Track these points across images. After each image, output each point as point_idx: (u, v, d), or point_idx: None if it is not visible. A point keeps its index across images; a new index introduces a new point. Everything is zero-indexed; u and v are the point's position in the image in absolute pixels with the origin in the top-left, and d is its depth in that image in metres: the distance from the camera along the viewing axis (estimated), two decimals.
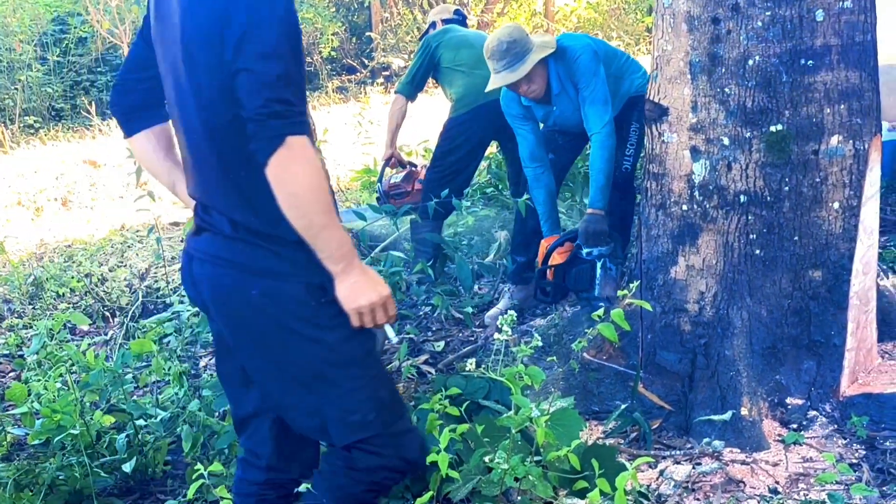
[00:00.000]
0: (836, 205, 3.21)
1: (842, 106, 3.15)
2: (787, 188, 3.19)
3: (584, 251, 4.11)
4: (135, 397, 3.62)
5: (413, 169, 5.86)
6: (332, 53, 17.71)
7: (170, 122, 2.22)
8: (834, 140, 3.16)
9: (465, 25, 5.82)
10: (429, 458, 1.89)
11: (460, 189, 5.27)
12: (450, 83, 5.32)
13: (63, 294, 5.57)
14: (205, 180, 2.06)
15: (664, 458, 3.07)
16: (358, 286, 2.01)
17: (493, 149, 6.28)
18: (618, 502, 1.71)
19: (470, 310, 4.48)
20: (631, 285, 2.24)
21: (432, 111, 8.41)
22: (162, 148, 2.28)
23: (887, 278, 3.90)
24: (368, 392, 2.09)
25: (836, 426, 3.16)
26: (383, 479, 2.14)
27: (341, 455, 2.16)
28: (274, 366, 2.10)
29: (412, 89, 5.52)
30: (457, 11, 5.92)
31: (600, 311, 2.16)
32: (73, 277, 5.73)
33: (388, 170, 5.81)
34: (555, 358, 3.20)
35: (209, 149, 2.00)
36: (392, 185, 5.72)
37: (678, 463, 3.02)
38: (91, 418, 3.19)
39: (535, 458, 1.98)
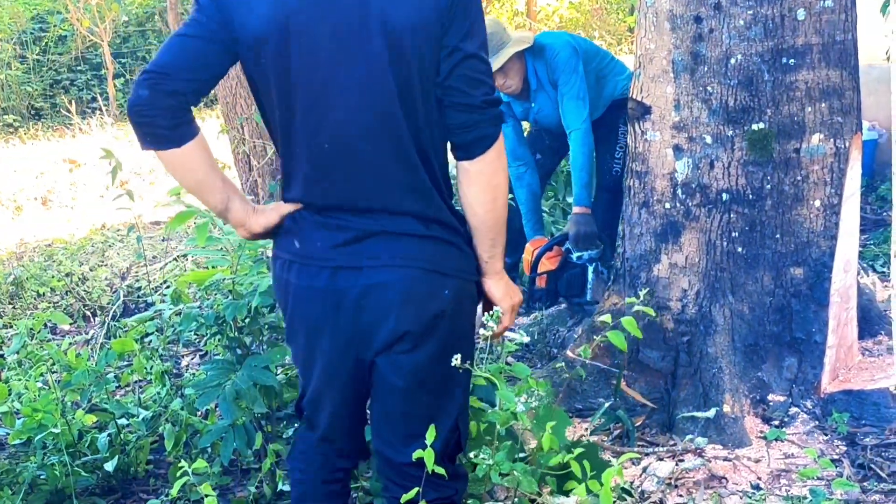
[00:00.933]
0: (817, 203, 3.23)
1: (823, 104, 3.18)
2: (768, 186, 3.21)
3: (575, 255, 4.10)
4: (116, 396, 3.60)
5: None
6: None
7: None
8: (815, 139, 3.19)
9: None
10: (415, 455, 1.89)
11: None
12: None
13: (43, 293, 5.53)
14: (380, 182, 1.91)
15: (647, 454, 3.09)
16: (510, 285, 2.03)
17: None
18: (604, 499, 1.71)
19: None
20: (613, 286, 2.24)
21: None
22: (210, 159, 2.02)
23: (867, 276, 3.93)
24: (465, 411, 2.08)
25: (817, 422, 3.18)
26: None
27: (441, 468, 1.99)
28: (440, 370, 1.98)
29: None
30: None
31: (607, 318, 2.16)
32: (53, 277, 5.68)
33: None
34: (537, 354, 3.21)
35: (403, 146, 1.88)
36: None
37: (661, 460, 3.03)
38: (72, 417, 3.17)
39: (521, 455, 1.99)
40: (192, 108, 1.90)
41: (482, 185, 1.90)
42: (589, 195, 4.08)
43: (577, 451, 2.09)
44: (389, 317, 1.91)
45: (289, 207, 2.02)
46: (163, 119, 1.86)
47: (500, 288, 2.02)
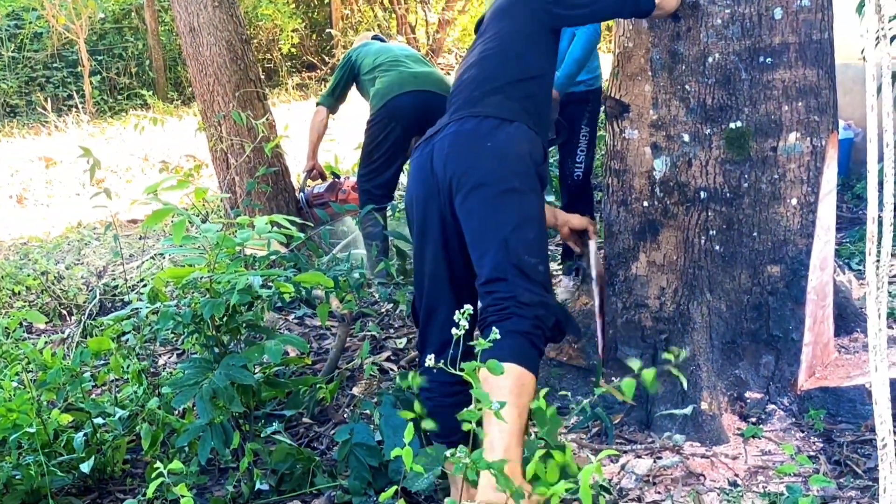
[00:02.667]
0: (793, 201, 3.25)
1: (800, 103, 3.19)
2: (746, 184, 3.22)
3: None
4: (93, 396, 3.58)
5: (336, 180, 5.92)
6: (292, 50, 17.63)
7: None
8: (792, 137, 3.20)
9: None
10: (393, 453, 1.89)
11: (391, 182, 5.36)
12: (370, 85, 5.37)
13: (19, 292, 5.48)
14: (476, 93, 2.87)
15: (626, 452, 3.09)
16: None
17: None
18: (583, 495, 1.71)
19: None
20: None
21: None
22: None
23: (843, 274, 3.96)
24: None
25: (794, 419, 3.20)
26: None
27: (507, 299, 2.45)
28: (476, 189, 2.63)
29: (333, 101, 5.57)
30: (375, 36, 6.01)
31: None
32: (29, 275, 5.64)
33: (309, 181, 5.87)
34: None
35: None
36: (315, 195, 5.76)
37: (639, 457, 3.04)
38: (48, 417, 3.14)
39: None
40: None
41: None
42: (565, 85, 4.24)
43: (557, 453, 2.08)
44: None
45: None
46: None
47: None
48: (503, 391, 2.23)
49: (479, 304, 2.55)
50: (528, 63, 2.83)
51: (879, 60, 1.71)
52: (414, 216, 2.78)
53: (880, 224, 1.68)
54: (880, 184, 1.70)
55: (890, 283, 4.47)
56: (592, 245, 3.38)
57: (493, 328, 2.07)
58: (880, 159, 1.72)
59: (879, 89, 1.72)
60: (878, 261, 1.63)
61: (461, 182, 2.57)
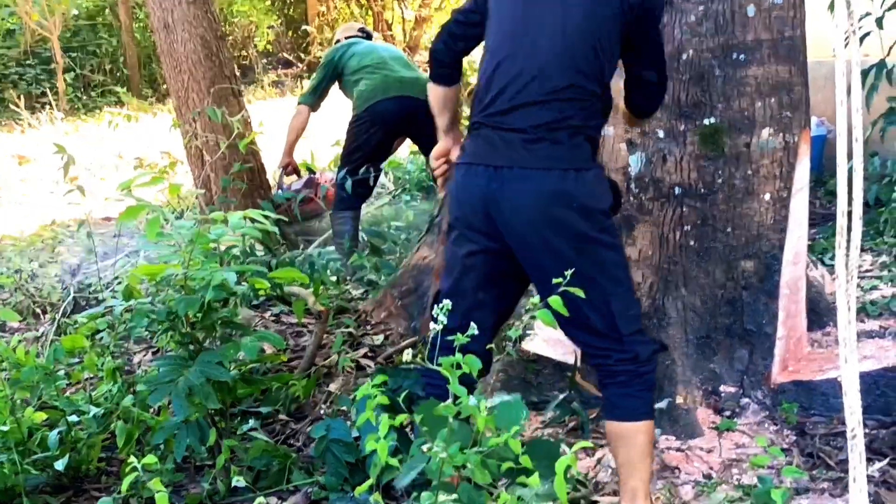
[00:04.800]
0: (767, 196, 3.27)
1: (772, 100, 3.22)
2: (720, 180, 3.24)
3: None
4: (67, 394, 3.55)
5: (312, 176, 5.92)
6: (268, 47, 17.57)
7: None
8: (765, 133, 3.23)
9: (370, 40, 5.90)
10: (368, 447, 1.89)
11: (370, 184, 5.36)
12: (354, 85, 5.37)
13: None
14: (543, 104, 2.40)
15: (601, 446, 3.11)
16: None
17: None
18: (557, 487, 1.72)
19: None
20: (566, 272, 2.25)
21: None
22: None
23: (816, 269, 4.00)
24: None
25: (767, 413, 3.23)
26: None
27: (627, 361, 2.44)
28: (589, 258, 2.42)
29: (315, 99, 5.56)
30: (361, 29, 6.00)
31: (535, 299, 2.19)
32: (2, 273, 5.58)
33: (285, 178, 5.87)
34: (493, 346, 3.21)
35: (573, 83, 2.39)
36: (293, 191, 5.76)
37: None
38: (22, 415, 3.12)
39: (477, 448, 1.99)
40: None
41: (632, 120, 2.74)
42: None
43: (530, 444, 2.09)
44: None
45: None
46: (450, 60, 2.71)
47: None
48: (642, 448, 2.44)
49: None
50: (600, 69, 2.43)
51: (849, 57, 1.73)
52: (464, 225, 2.51)
53: (850, 218, 1.70)
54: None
55: (861, 277, 4.52)
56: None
57: (605, 390, 2.46)
58: (851, 156, 1.74)
59: (849, 89, 1.74)
60: (847, 254, 1.65)
61: (543, 240, 2.37)
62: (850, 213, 1.68)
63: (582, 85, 2.37)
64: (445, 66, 2.71)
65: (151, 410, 3.26)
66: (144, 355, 4.42)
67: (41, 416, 3.20)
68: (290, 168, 5.80)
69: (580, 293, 2.23)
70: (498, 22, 2.49)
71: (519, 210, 2.35)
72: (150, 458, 1.94)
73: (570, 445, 2.94)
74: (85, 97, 16.25)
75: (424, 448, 1.87)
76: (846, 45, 1.76)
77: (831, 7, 5.15)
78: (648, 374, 2.49)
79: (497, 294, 2.58)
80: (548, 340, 3.43)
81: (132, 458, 1.79)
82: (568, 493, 1.91)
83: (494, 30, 2.50)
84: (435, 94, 2.78)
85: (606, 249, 2.43)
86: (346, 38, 5.82)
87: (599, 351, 2.49)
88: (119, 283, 5.09)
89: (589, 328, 2.45)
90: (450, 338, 2.02)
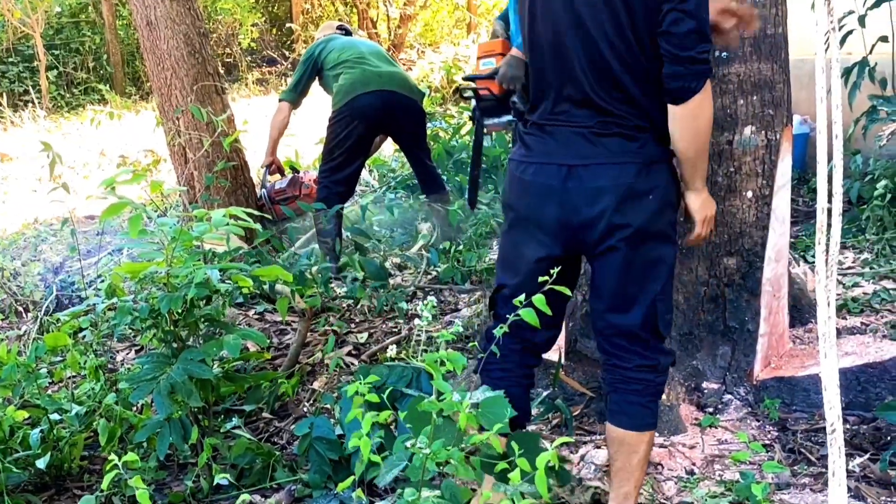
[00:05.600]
0: (749, 194, 3.29)
1: (754, 97, 3.23)
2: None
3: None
4: (49, 392, 3.54)
5: (296, 175, 5.93)
6: (252, 45, 17.52)
7: None
8: (747, 130, 3.25)
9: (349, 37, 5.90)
10: (351, 444, 1.89)
11: (352, 179, 5.37)
12: (334, 80, 5.37)
13: None
14: (603, 95, 2.33)
15: (585, 442, 3.12)
16: (708, 199, 2.55)
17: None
18: (538, 483, 1.73)
19: (404, 305, 4.48)
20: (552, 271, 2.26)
21: None
22: None
23: (798, 266, 4.01)
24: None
25: (749, 409, 3.25)
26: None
27: (647, 369, 2.45)
28: (652, 251, 2.40)
29: (296, 96, 5.57)
30: (340, 26, 6.00)
31: (520, 298, 2.18)
32: None
33: (269, 177, 5.87)
34: (477, 344, 3.22)
35: (624, 75, 2.30)
36: (277, 190, 5.76)
37: (599, 447, 3.06)
38: (3, 413, 3.10)
39: (461, 445, 1.99)
40: None
41: (684, 126, 2.32)
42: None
43: (512, 440, 2.10)
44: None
45: None
46: None
47: (698, 201, 2.50)
48: (642, 456, 2.47)
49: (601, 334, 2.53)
50: (655, 52, 2.32)
51: (829, 55, 1.74)
52: (528, 214, 2.45)
53: (829, 215, 1.71)
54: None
55: (843, 274, 4.55)
56: None
57: (619, 395, 2.46)
58: (831, 154, 1.75)
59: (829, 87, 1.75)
60: (827, 251, 1.66)
61: (614, 230, 2.33)
62: (829, 211, 1.69)
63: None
64: None
65: (134, 408, 3.25)
66: (128, 354, 4.41)
67: (23, 415, 3.19)
68: (273, 167, 5.80)
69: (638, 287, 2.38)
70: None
71: (594, 203, 2.33)
72: (132, 456, 1.93)
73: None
74: (68, 95, 16.18)
75: (408, 444, 1.87)
76: (826, 44, 1.77)
77: (814, 5, 5.18)
78: (662, 384, 2.50)
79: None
80: None
81: (113, 456, 1.79)
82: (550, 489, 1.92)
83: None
84: None
85: (666, 245, 2.43)
86: (324, 35, 5.82)
87: (623, 353, 2.46)
88: (102, 281, 5.07)
89: (624, 326, 2.44)
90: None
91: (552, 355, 3.47)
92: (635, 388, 2.46)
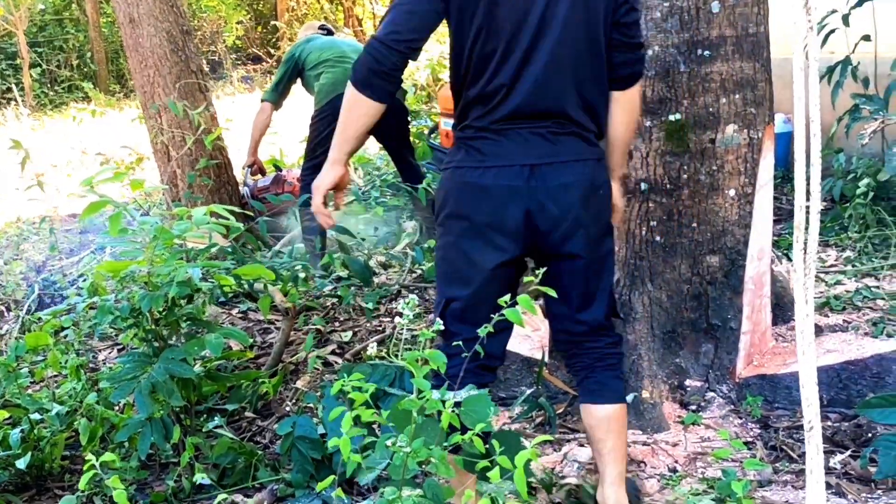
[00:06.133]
0: (731, 192, 3.30)
1: (737, 96, 3.24)
2: (685, 176, 3.26)
3: None
4: (30, 391, 3.51)
5: (279, 173, 5.92)
6: (237, 42, 17.47)
7: None
8: (729, 129, 3.25)
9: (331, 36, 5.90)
10: (331, 443, 1.88)
11: None
12: (315, 80, 5.36)
13: None
14: (563, 96, 2.33)
15: (568, 441, 3.12)
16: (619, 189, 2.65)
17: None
18: (517, 481, 1.73)
19: (371, 305, 4.48)
20: (537, 271, 2.26)
21: None
22: None
23: (781, 264, 4.03)
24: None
25: (732, 406, 3.26)
26: None
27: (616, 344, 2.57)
28: (605, 246, 2.49)
29: (277, 96, 5.56)
30: (322, 26, 6.00)
31: (506, 297, 2.18)
32: None
33: (251, 176, 5.86)
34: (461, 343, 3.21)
35: (585, 72, 2.34)
36: (260, 188, 5.75)
37: (582, 445, 3.07)
38: None
39: (444, 444, 2.00)
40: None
41: (627, 110, 2.48)
42: None
43: (496, 439, 2.09)
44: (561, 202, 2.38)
45: None
46: (393, 76, 2.34)
47: (618, 190, 2.63)
48: (625, 431, 2.56)
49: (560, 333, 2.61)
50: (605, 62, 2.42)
51: (807, 54, 1.74)
52: (487, 220, 2.37)
53: (808, 213, 1.72)
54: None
55: (825, 272, 4.57)
56: None
57: (601, 373, 2.52)
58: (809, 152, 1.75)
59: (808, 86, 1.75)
60: (805, 249, 1.67)
61: (573, 228, 2.37)
62: (808, 209, 1.69)
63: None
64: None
65: (116, 408, 3.24)
66: (109, 353, 4.38)
67: (3, 414, 3.17)
68: (255, 167, 5.79)
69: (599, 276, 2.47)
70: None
71: (559, 201, 2.35)
72: (110, 456, 1.92)
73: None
74: (51, 93, 16.10)
75: (388, 443, 1.87)
76: (805, 43, 1.78)
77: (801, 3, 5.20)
78: (623, 362, 2.64)
79: (511, 293, 2.56)
80: (516, 336, 3.43)
81: (91, 456, 1.78)
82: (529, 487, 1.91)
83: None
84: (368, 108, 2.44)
85: (611, 237, 2.54)
86: (306, 36, 5.81)
87: (597, 335, 2.53)
88: (84, 280, 5.05)
89: (593, 321, 2.50)
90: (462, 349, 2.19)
91: (536, 353, 3.48)
92: (611, 363, 2.55)
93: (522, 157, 2.33)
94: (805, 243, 1.63)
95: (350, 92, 2.38)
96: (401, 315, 2.03)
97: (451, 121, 4.15)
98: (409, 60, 2.34)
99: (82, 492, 2.71)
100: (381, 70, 2.31)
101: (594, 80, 2.38)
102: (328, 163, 2.48)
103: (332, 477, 1.90)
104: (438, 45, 15.16)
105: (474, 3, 2.27)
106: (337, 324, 4.59)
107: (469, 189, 2.37)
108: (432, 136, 4.55)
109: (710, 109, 3.24)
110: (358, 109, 2.40)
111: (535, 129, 2.34)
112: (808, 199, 1.66)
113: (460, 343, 2.25)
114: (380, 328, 4.44)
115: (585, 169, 2.37)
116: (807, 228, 1.65)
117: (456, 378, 2.32)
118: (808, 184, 1.69)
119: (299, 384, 3.80)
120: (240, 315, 4.79)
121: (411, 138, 5.90)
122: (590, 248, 2.41)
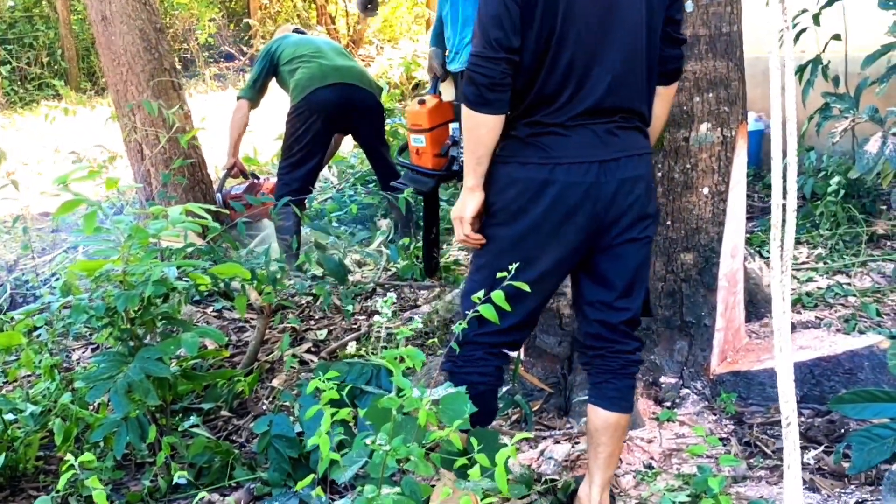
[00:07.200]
0: (705, 190, 3.32)
1: (710, 94, 3.27)
2: (660, 174, 3.28)
3: None
4: (3, 392, 3.48)
5: (255, 181, 5.87)
6: (210, 40, 17.35)
7: None
8: (703, 128, 3.28)
9: None
10: (310, 442, 1.88)
11: (311, 175, 5.35)
12: (290, 76, 5.35)
13: None
14: (633, 91, 2.37)
15: (544, 438, 3.13)
16: None
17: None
18: (498, 478, 1.73)
19: (350, 307, 4.47)
20: (511, 266, 2.26)
21: None
22: None
23: (754, 261, 4.06)
24: None
25: (706, 403, 3.28)
26: None
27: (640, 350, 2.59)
28: (652, 235, 2.51)
29: (255, 93, 5.52)
30: (296, 29, 6.00)
31: (479, 294, 2.19)
32: None
33: (230, 179, 5.80)
34: (436, 341, 3.22)
35: (645, 67, 2.38)
36: (233, 195, 5.67)
37: (558, 442, 3.08)
38: None
39: (422, 441, 2.00)
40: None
41: (668, 105, 2.64)
42: None
43: (472, 436, 2.10)
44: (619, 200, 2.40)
45: None
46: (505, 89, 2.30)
47: None
48: (623, 433, 2.60)
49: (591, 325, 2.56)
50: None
51: (783, 53, 1.76)
52: (555, 216, 2.36)
53: (784, 211, 1.74)
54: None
55: (797, 269, 4.61)
56: None
57: (621, 381, 2.53)
58: (785, 151, 1.77)
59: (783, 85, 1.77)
60: (782, 246, 1.68)
61: (635, 220, 2.41)
62: (784, 206, 1.71)
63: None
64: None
65: (90, 408, 3.21)
66: (83, 352, 4.35)
67: None
68: (235, 169, 5.73)
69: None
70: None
71: (627, 195, 2.37)
72: (88, 456, 1.91)
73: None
74: (21, 90, 15.91)
75: (367, 441, 1.87)
76: (780, 42, 1.79)
77: (769, 3, 5.24)
78: (642, 363, 2.66)
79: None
80: None
81: (69, 456, 1.76)
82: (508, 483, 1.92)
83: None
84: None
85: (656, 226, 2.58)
86: (280, 35, 5.80)
87: (625, 339, 2.54)
88: (57, 279, 5.00)
89: (630, 312, 2.51)
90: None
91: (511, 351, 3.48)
92: (632, 372, 2.56)
93: (592, 152, 2.33)
94: (782, 241, 1.65)
95: (468, 115, 2.33)
96: (379, 313, 2.03)
97: (420, 136, 4.16)
98: (516, 62, 2.28)
99: (59, 492, 2.70)
100: (490, 84, 2.27)
101: (652, 74, 2.44)
102: (466, 190, 2.44)
103: (311, 476, 1.90)
104: (411, 42, 15.15)
105: (555, 1, 2.24)
106: (312, 322, 4.58)
107: (536, 185, 2.35)
108: (402, 154, 4.56)
109: (684, 108, 3.26)
110: (481, 128, 2.34)
111: (604, 125, 2.35)
112: (784, 197, 1.68)
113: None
114: (355, 326, 4.43)
115: (646, 162, 2.44)
116: (783, 226, 1.67)
117: (478, 359, 2.49)
118: (784, 182, 1.71)
119: (275, 383, 3.79)
120: (214, 314, 4.76)
121: (386, 136, 5.90)
122: (645, 238, 2.46)
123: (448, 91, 4.28)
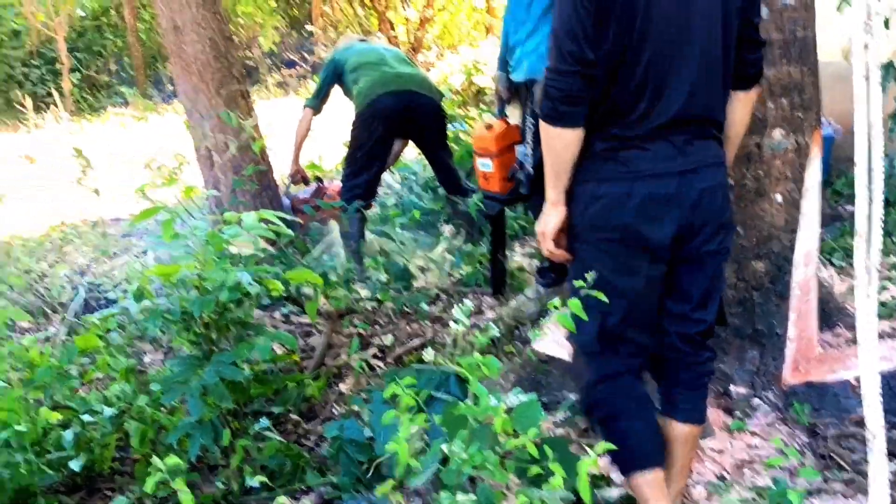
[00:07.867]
0: (778, 197, 3.28)
1: (784, 100, 3.22)
2: (731, 181, 3.24)
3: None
4: (80, 393, 3.56)
5: (320, 185, 5.94)
6: (273, 47, 17.60)
7: None
8: (776, 133, 3.23)
9: None
10: (387, 447, 1.90)
11: (374, 181, 5.41)
12: (354, 83, 5.40)
13: (2, 291, 5.44)
14: (711, 99, 2.35)
15: None
16: None
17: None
18: (581, 489, 1.73)
19: (425, 307, 4.49)
20: (587, 275, 2.25)
21: None
22: None
23: (825, 269, 4.00)
24: None
25: (778, 414, 3.23)
26: None
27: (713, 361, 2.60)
28: (729, 246, 2.51)
29: (318, 102, 5.62)
30: (361, 39, 6.08)
31: (556, 301, 2.18)
32: (11, 274, 5.60)
33: (293, 186, 5.89)
34: (513, 349, 3.21)
35: (721, 74, 2.34)
36: (300, 200, 5.77)
37: None
38: (36, 415, 3.12)
39: (495, 449, 2.01)
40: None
41: (748, 110, 2.55)
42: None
43: (547, 445, 2.10)
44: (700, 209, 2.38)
45: None
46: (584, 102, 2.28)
47: None
48: (696, 444, 2.64)
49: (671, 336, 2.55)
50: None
51: (868, 59, 1.73)
52: (642, 232, 2.35)
53: (870, 220, 1.71)
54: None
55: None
56: None
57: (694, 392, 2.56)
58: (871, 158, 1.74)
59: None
60: (868, 257, 1.66)
61: (715, 230, 2.41)
62: (870, 216, 1.68)
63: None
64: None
65: (164, 410, 3.27)
66: (155, 355, 4.43)
67: (56, 416, 3.20)
68: (298, 176, 5.83)
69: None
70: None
71: (707, 205, 2.37)
72: (174, 459, 1.95)
73: (586, 447, 2.96)
74: (90, 97, 16.29)
75: (444, 448, 1.88)
76: (865, 46, 1.77)
77: (840, 7, 5.15)
78: (714, 374, 2.71)
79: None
80: (558, 341, 3.43)
81: (155, 459, 1.80)
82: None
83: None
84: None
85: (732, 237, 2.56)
86: (345, 45, 5.87)
87: (699, 349, 2.55)
88: (129, 283, 5.10)
89: (705, 323, 2.51)
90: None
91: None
92: (705, 382, 2.59)
93: (671, 164, 2.32)
94: (867, 252, 1.62)
95: (545, 129, 2.32)
96: (442, 320, 2.04)
97: (487, 161, 4.11)
98: (591, 75, 2.24)
99: (132, 494, 2.75)
100: (564, 97, 2.25)
101: (727, 80, 2.39)
102: (549, 205, 2.43)
103: (391, 482, 1.92)
104: (471, 48, 15.18)
105: (631, 8, 2.20)
106: (378, 327, 4.61)
107: (619, 202, 2.33)
108: (469, 178, 4.54)
109: (757, 113, 3.22)
110: (560, 143, 2.33)
111: (682, 135, 2.33)
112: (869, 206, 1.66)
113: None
114: (420, 332, 4.45)
115: (723, 171, 2.43)
116: (869, 236, 1.64)
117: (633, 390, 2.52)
118: (869, 191, 1.68)
119: (343, 387, 3.82)
120: (282, 318, 4.82)
121: (448, 142, 5.92)
122: (723, 250, 2.46)
123: (514, 114, 4.24)
